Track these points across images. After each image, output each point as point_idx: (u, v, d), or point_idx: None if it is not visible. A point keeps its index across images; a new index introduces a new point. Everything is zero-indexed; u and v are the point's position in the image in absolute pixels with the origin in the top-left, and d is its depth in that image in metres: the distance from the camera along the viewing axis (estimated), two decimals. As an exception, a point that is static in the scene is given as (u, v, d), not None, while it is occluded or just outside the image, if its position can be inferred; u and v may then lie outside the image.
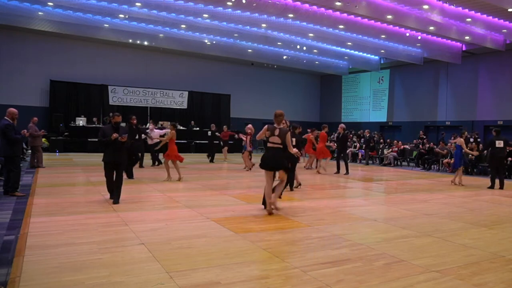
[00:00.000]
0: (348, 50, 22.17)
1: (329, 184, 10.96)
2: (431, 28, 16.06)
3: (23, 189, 8.30)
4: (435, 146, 17.32)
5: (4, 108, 8.46)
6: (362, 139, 20.56)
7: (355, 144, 20.73)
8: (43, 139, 16.18)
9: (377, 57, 23.89)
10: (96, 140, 7.44)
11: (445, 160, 16.04)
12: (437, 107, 22.69)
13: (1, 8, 16.14)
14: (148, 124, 16.96)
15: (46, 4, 16.07)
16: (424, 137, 19.29)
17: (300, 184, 9.79)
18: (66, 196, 7.84)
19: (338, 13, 15.62)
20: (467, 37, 17.10)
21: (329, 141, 16.87)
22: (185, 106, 24.55)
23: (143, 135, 12.98)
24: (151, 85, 23.71)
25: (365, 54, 23.31)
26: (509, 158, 14.15)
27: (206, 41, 20.72)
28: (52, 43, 21.32)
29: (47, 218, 5.98)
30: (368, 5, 14.33)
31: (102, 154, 7.31)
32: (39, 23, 18.01)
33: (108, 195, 7.54)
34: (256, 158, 13.72)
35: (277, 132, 6.61)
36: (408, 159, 18.52)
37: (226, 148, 17.51)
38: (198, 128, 23.45)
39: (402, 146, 18.85)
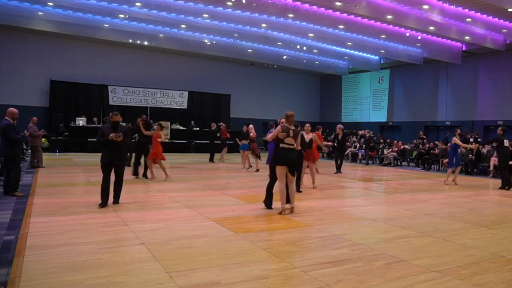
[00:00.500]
0: (348, 50, 22.17)
1: (329, 184, 10.96)
2: (431, 28, 16.06)
3: (23, 189, 8.30)
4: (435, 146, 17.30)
5: (4, 108, 8.46)
6: (362, 139, 20.56)
7: (355, 144, 20.73)
8: (43, 139, 16.17)
9: (377, 57, 23.89)
10: (96, 140, 7.23)
11: (445, 160, 16.02)
12: (437, 107, 22.69)
13: (1, 8, 16.13)
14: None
15: (46, 4, 16.07)
16: (424, 137, 19.30)
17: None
18: (66, 196, 7.84)
19: (338, 13, 15.62)
20: (467, 37, 17.10)
21: (327, 141, 16.85)
22: (185, 106, 24.55)
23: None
24: (151, 85, 23.71)
25: (365, 54, 23.31)
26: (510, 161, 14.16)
27: (206, 41, 20.71)
28: (52, 43, 21.32)
29: (47, 218, 5.99)
30: (368, 5, 14.33)
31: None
32: (39, 23, 18.01)
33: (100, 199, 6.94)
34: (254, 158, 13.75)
35: (291, 133, 6.73)
36: (408, 159, 18.52)
37: (225, 148, 17.32)
38: (198, 128, 23.44)
39: (402, 146, 18.85)
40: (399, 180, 12.65)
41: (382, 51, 20.74)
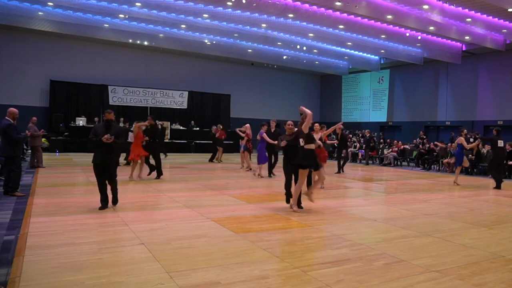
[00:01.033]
0: (348, 50, 22.16)
1: (329, 184, 10.95)
2: (431, 28, 16.05)
3: (23, 189, 8.29)
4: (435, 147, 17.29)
5: (4, 108, 8.46)
6: (362, 139, 20.56)
7: (355, 144, 20.73)
8: (43, 139, 16.18)
9: (377, 57, 23.88)
10: (88, 139, 6.92)
11: (445, 160, 16.04)
12: (437, 107, 22.68)
13: (1, 8, 16.13)
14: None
15: (46, 4, 16.06)
16: (424, 137, 19.30)
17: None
18: (66, 196, 7.85)
19: (338, 13, 15.61)
20: (467, 37, 17.10)
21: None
22: (185, 106, 24.55)
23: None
24: (151, 85, 23.71)
25: (365, 54, 23.31)
26: (510, 161, 14.16)
27: (206, 41, 20.71)
28: (52, 43, 21.32)
29: (47, 218, 5.98)
30: (368, 5, 14.32)
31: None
32: (39, 23, 18.00)
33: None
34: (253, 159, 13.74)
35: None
36: (408, 159, 18.52)
37: (221, 148, 17.25)
38: (198, 128, 23.44)
39: (402, 146, 18.85)
40: (399, 180, 12.65)
41: (382, 51, 20.74)
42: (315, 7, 15.04)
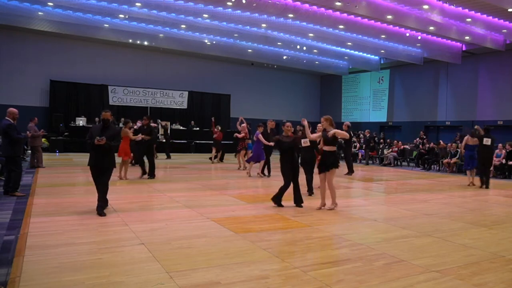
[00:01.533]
0: (348, 50, 22.16)
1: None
2: (431, 28, 16.05)
3: (23, 189, 8.29)
4: (435, 146, 17.28)
5: (4, 108, 8.46)
6: (362, 139, 20.56)
7: (355, 144, 20.72)
8: (43, 139, 16.18)
9: (377, 57, 23.88)
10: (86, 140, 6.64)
11: (445, 160, 16.03)
12: (437, 107, 22.68)
13: (1, 8, 16.12)
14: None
15: (46, 4, 16.06)
16: (425, 137, 19.30)
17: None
18: (66, 196, 7.84)
19: (338, 13, 15.61)
20: (467, 37, 17.09)
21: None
22: (185, 106, 24.55)
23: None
24: (151, 85, 23.71)
25: (365, 54, 23.30)
26: (510, 161, 14.17)
27: (206, 41, 20.71)
28: (52, 43, 21.32)
29: (47, 218, 5.98)
30: (368, 5, 14.32)
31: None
32: (39, 23, 18.00)
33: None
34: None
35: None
36: (408, 159, 18.52)
37: (217, 148, 17.17)
38: (198, 128, 23.44)
39: (402, 146, 18.85)
40: (399, 180, 12.65)
41: (382, 51, 20.74)
42: (315, 7, 15.04)
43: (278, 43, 20.86)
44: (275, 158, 10.17)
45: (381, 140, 20.60)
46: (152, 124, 14.15)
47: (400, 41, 19.10)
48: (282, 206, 7.28)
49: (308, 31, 17.82)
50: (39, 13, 16.91)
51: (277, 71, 27.75)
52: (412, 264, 4.29)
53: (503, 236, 5.70)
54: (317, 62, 24.75)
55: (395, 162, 18.46)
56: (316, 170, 8.50)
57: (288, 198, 7.37)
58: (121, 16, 17.26)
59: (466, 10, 14.98)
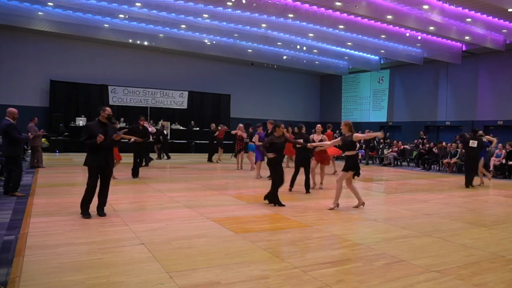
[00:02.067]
0: (348, 50, 22.15)
1: (329, 184, 10.95)
2: (431, 28, 16.05)
3: (23, 189, 8.29)
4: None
5: (4, 108, 8.45)
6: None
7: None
8: (43, 139, 16.19)
9: (377, 57, 23.87)
10: (81, 140, 6.07)
11: (445, 160, 16.04)
12: (437, 107, 22.68)
13: (1, 8, 16.12)
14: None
15: (46, 4, 16.05)
16: (425, 137, 19.30)
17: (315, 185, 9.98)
18: (66, 196, 7.84)
19: (338, 13, 15.60)
20: (467, 37, 17.09)
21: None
22: (185, 106, 24.55)
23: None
24: (151, 85, 23.71)
25: (365, 54, 23.29)
26: (510, 161, 14.17)
27: (206, 41, 20.71)
28: (52, 43, 21.31)
29: (47, 218, 5.98)
30: (368, 5, 14.31)
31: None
32: (39, 23, 17.99)
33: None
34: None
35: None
36: (408, 159, 18.52)
37: (221, 149, 17.21)
38: (198, 128, 23.44)
39: (402, 146, 18.85)
40: (399, 180, 12.65)
41: (382, 51, 20.73)
42: (315, 7, 15.04)
43: (278, 43, 20.85)
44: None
45: (381, 140, 20.59)
46: (150, 128, 14.24)
47: (400, 41, 19.09)
48: (283, 205, 7.31)
49: (308, 31, 17.82)
50: (39, 13, 16.90)
51: (277, 71, 27.74)
52: (412, 264, 4.29)
53: (503, 236, 5.70)
54: (317, 62, 24.74)
55: (395, 162, 18.47)
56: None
57: (287, 198, 7.37)
58: (121, 16, 17.25)
59: (466, 10, 14.98)
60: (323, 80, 30.52)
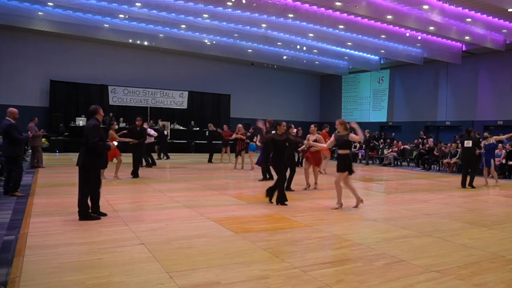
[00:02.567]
0: (348, 50, 22.15)
1: (329, 184, 10.94)
2: (431, 28, 16.04)
3: (23, 189, 8.29)
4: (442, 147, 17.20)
5: (4, 108, 8.45)
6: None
7: (354, 144, 20.69)
8: (43, 139, 16.19)
9: (377, 57, 23.86)
10: (94, 143, 6.02)
11: (445, 160, 16.04)
12: (437, 107, 22.68)
13: (1, 8, 16.12)
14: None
15: (46, 4, 16.05)
16: (425, 137, 19.30)
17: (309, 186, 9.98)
18: (66, 196, 7.83)
19: (338, 13, 15.60)
20: (467, 37, 17.09)
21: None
22: (185, 106, 24.55)
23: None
24: (151, 85, 23.70)
25: (365, 54, 23.29)
26: (510, 161, 14.17)
27: (206, 41, 20.70)
28: (52, 43, 21.31)
29: (47, 218, 5.98)
30: (368, 5, 14.31)
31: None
32: (39, 23, 17.99)
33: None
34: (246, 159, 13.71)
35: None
36: (408, 159, 18.52)
37: (226, 148, 17.22)
38: (198, 128, 23.44)
39: (402, 146, 18.85)
40: (399, 180, 12.65)
41: (382, 51, 20.73)
42: (315, 7, 15.04)
43: (278, 43, 20.85)
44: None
45: (381, 140, 20.59)
46: (151, 132, 14.32)
47: (400, 41, 19.09)
48: (286, 204, 7.34)
49: (308, 31, 17.82)
50: (39, 13, 16.90)
51: (277, 71, 27.73)
52: (412, 264, 4.29)
53: (503, 236, 5.70)
54: (317, 62, 24.74)
55: (395, 162, 18.47)
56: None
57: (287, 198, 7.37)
58: (121, 16, 17.26)
59: (466, 10, 14.97)
60: (323, 80, 30.52)
